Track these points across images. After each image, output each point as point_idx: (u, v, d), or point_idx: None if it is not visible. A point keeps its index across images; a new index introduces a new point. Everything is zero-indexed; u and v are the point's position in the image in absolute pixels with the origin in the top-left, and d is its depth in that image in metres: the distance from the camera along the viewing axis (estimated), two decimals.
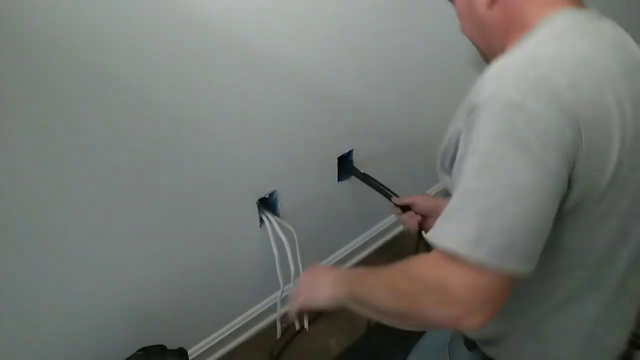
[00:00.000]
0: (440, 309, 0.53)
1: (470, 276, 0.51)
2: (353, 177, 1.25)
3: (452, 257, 0.52)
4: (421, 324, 0.60)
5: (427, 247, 0.85)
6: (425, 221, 0.98)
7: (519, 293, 0.56)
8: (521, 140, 0.49)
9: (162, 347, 0.94)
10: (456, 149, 0.58)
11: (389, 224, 1.59)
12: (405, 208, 1.00)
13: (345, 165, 1.24)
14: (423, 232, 1.00)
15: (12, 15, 0.59)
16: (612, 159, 0.53)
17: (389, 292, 0.60)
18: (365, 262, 1.55)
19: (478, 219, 0.51)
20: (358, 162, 1.25)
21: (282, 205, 1.12)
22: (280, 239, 1.05)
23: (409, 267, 0.59)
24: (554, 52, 0.55)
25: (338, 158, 1.21)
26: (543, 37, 0.57)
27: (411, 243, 1.34)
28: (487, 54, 0.71)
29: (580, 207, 0.54)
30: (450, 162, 0.61)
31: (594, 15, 0.60)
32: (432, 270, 0.55)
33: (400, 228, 1.66)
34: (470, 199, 0.52)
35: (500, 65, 0.54)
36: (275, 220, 1.08)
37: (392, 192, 1.14)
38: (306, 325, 1.09)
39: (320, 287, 0.72)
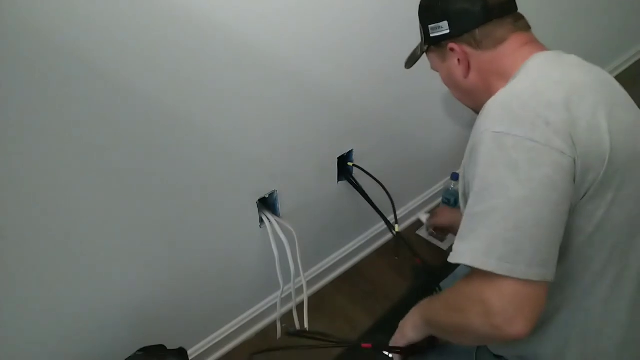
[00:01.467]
0: (482, 320, 0.58)
1: (497, 286, 0.57)
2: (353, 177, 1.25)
3: (480, 273, 0.59)
4: (475, 338, 0.66)
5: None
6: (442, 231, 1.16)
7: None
8: (511, 161, 0.57)
9: (162, 347, 0.94)
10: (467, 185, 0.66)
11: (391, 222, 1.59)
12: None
13: (344, 168, 1.25)
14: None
15: (12, 14, 0.59)
16: (605, 148, 0.61)
17: (445, 309, 0.69)
18: (365, 262, 1.55)
19: (485, 234, 0.58)
20: (358, 162, 1.25)
21: (282, 205, 1.12)
22: (280, 239, 1.05)
23: (458, 285, 0.66)
24: (531, 82, 0.66)
25: (338, 158, 1.21)
26: (522, 76, 0.68)
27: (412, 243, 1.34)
28: (473, 107, 0.85)
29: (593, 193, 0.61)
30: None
31: (560, 52, 0.73)
32: (470, 285, 0.62)
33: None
34: (476, 218, 0.60)
35: (488, 105, 0.64)
36: (275, 220, 1.08)
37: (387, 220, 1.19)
38: (306, 325, 1.09)
39: (406, 324, 0.82)
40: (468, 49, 0.75)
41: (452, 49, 0.76)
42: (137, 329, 0.99)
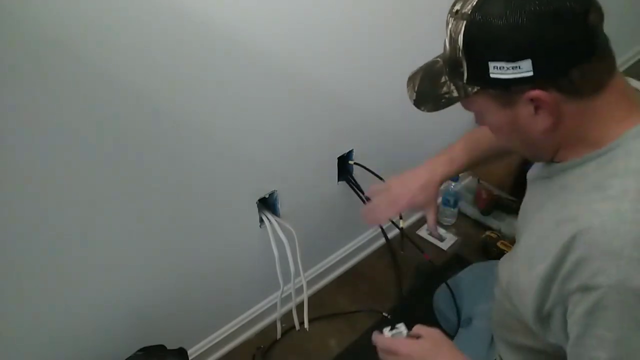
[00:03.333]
0: None
1: None
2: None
3: None
4: None
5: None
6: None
7: None
8: None
9: (162, 347, 0.94)
10: (561, 311, 0.58)
11: (389, 224, 1.59)
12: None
13: (344, 168, 1.25)
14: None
15: (11, 12, 0.59)
16: None
17: None
18: (365, 262, 1.55)
19: None
20: (358, 162, 1.25)
21: (282, 205, 1.12)
22: (280, 239, 1.05)
23: None
24: None
25: (338, 158, 1.21)
26: (631, 178, 0.52)
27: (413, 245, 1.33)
28: (528, 157, 0.68)
29: None
30: (543, 318, 0.62)
31: None
32: None
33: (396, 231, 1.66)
34: None
35: (609, 236, 0.51)
36: (275, 220, 1.08)
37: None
38: (306, 325, 1.09)
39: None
40: (559, 97, 0.53)
41: (534, 98, 0.54)
42: (137, 329, 0.99)
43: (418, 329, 0.72)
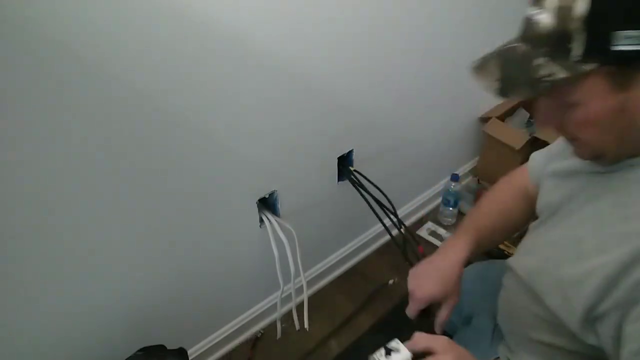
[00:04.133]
0: None
1: None
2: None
3: None
4: None
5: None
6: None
7: None
8: None
9: (162, 347, 0.94)
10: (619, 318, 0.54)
11: (389, 224, 1.59)
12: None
13: (344, 168, 1.25)
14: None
15: (11, 11, 0.59)
16: None
17: None
18: (365, 262, 1.55)
19: None
20: (358, 162, 1.25)
21: (282, 205, 1.12)
22: (280, 239, 1.05)
23: None
24: None
25: (338, 158, 1.21)
26: None
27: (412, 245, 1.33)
28: (609, 155, 0.60)
29: None
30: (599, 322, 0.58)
31: None
32: None
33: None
34: None
35: None
36: (275, 220, 1.08)
37: (385, 207, 1.17)
38: (306, 325, 1.09)
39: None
40: None
41: None
42: (137, 329, 0.99)
43: (420, 338, 0.60)
